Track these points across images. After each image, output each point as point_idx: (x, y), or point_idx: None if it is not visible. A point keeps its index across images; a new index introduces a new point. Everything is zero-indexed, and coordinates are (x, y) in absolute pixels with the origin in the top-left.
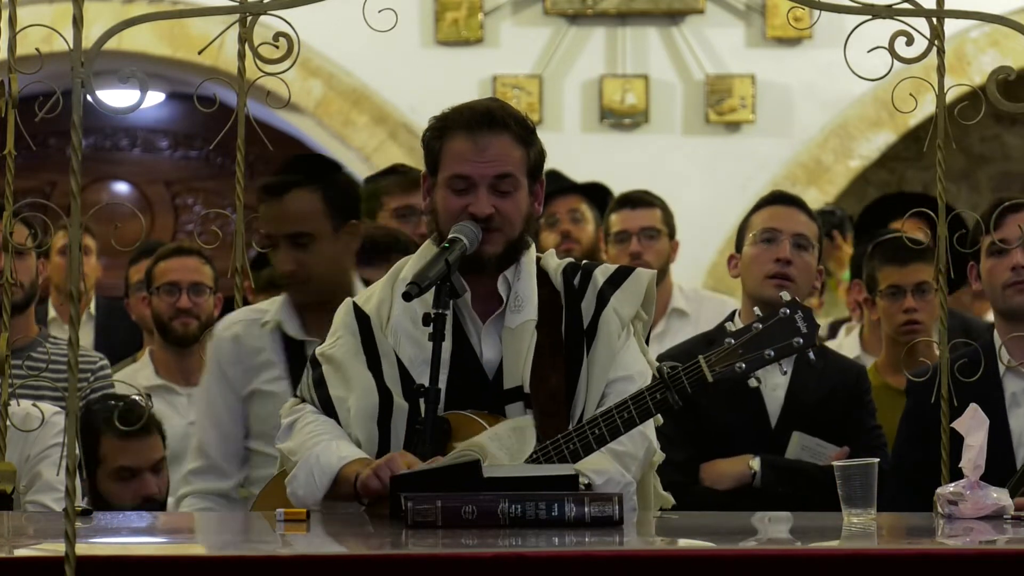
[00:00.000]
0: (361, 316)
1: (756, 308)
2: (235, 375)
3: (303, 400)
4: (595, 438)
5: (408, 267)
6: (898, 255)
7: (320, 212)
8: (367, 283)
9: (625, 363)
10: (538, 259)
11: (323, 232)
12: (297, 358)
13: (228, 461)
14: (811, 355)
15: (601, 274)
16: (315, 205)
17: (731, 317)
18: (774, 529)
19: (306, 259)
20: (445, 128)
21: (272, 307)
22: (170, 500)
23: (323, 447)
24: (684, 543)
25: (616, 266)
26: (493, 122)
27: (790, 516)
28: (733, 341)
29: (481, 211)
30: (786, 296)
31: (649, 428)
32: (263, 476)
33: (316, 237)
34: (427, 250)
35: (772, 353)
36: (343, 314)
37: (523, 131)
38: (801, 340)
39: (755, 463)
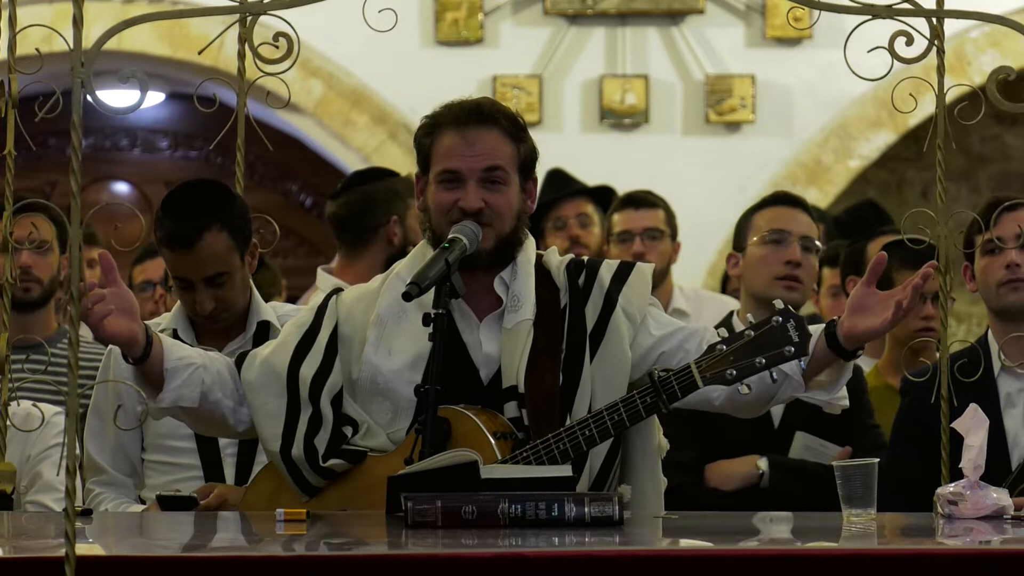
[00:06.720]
0: (324, 307)
1: (749, 315)
2: (129, 389)
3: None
4: (585, 439)
5: (402, 267)
6: (918, 259)
7: (231, 248)
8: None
9: (665, 322)
10: (540, 256)
11: (236, 265)
12: None
13: (123, 474)
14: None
15: (606, 271)
16: (226, 243)
17: (729, 318)
18: (774, 529)
19: (225, 295)
20: (435, 125)
21: (165, 318)
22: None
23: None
24: (684, 543)
25: (618, 261)
26: (482, 117)
27: (791, 516)
28: (725, 348)
29: (470, 205)
30: (779, 304)
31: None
32: (157, 484)
33: (231, 272)
34: (421, 250)
35: (763, 361)
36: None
37: (513, 127)
38: (793, 349)
39: (763, 463)
